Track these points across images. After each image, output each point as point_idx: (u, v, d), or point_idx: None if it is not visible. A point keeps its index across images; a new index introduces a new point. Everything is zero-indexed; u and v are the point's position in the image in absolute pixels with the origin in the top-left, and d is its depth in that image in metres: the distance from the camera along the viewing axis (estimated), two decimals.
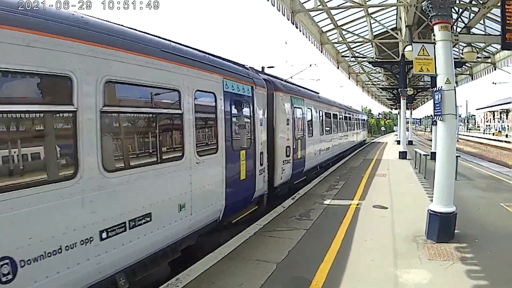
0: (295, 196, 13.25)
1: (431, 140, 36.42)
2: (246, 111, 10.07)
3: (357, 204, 11.83)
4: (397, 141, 43.75)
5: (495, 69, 27.39)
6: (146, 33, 6.51)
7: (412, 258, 7.14)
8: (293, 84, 17.52)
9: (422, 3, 8.54)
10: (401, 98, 27.68)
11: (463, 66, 30.07)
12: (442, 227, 8.00)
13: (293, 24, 18.06)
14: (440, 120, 8.13)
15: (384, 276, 6.40)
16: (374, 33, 24.30)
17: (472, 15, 16.82)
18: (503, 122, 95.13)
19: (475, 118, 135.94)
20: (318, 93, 22.27)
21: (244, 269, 6.74)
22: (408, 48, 16.57)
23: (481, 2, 14.94)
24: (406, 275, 6.34)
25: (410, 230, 8.84)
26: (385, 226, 9.40)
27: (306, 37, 21.18)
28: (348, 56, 29.85)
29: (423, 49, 8.72)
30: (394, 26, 23.66)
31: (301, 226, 9.50)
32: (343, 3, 18.36)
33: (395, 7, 20.40)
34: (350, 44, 26.92)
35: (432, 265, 6.77)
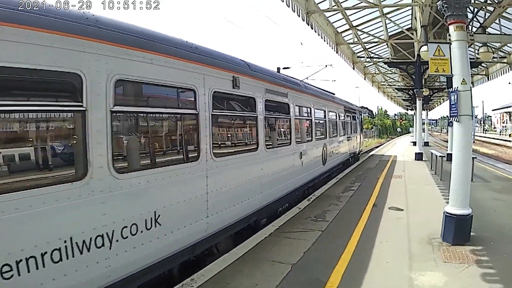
0: (311, 198, 13.25)
1: (447, 141, 35.95)
2: None
3: (373, 206, 11.79)
4: (413, 142, 43.31)
5: (511, 69, 27.07)
6: None
7: (427, 261, 7.10)
8: None
9: (437, 3, 8.45)
10: (417, 99, 27.46)
11: (479, 66, 29.75)
12: (457, 230, 7.92)
13: (308, 24, 18.10)
14: (456, 121, 8.07)
15: (399, 278, 6.38)
16: (390, 34, 24.20)
17: (488, 14, 16.68)
18: None
19: (491, 119, 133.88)
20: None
21: (259, 270, 6.76)
22: (424, 48, 16.43)
23: (496, 1, 14.79)
24: (421, 278, 6.30)
25: (425, 232, 8.78)
26: (400, 228, 9.35)
27: (322, 37, 21.17)
28: (363, 57, 29.77)
29: (439, 50, 8.65)
30: (410, 26, 23.47)
31: (316, 227, 9.50)
32: (358, 3, 18.31)
33: (410, 7, 20.27)
34: (365, 44, 26.79)
35: (448, 268, 6.72)
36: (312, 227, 9.50)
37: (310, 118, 14.62)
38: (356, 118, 28.03)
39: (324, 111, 17.02)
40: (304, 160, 13.20)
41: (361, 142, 32.54)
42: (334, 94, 21.68)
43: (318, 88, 18.56)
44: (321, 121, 16.82)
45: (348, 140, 23.63)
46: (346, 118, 22.84)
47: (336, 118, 19.80)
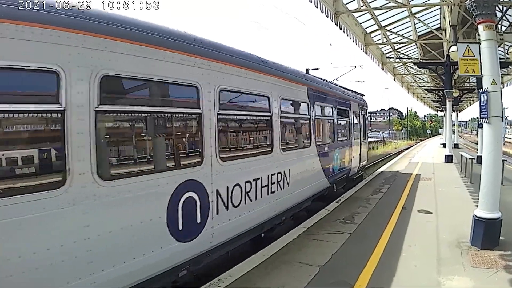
0: (340, 199, 13.23)
1: (477, 143, 35.20)
2: None
3: (402, 209, 11.68)
4: (442, 144, 42.62)
5: None
6: None
7: (455, 265, 7.01)
8: None
9: (466, 2, 8.34)
10: (447, 100, 27.04)
11: (509, 67, 29.07)
12: (486, 234, 7.79)
13: (337, 25, 18.12)
14: (486, 122, 7.94)
15: (427, 282, 6.33)
16: (418, 34, 23.96)
17: None
18: None
19: None
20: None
21: (287, 272, 6.82)
22: (453, 48, 16.12)
23: None
24: (449, 282, 6.25)
25: (454, 236, 8.67)
26: (429, 231, 9.24)
27: (350, 38, 21.19)
28: (392, 57, 29.46)
29: (468, 50, 8.51)
30: (438, 26, 23.17)
31: (345, 229, 9.50)
32: (386, 3, 18.17)
33: (439, 7, 19.99)
34: (394, 45, 26.55)
35: (476, 273, 6.63)
36: (341, 229, 9.50)
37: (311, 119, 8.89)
38: (350, 114, 16.46)
39: (208, 95, 6.76)
40: None
41: (364, 154, 19.92)
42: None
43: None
44: (183, 122, 6.90)
45: (324, 154, 12.65)
46: (314, 112, 11.79)
47: (271, 112, 9.01)
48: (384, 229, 9.42)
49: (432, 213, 11.11)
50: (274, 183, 9.00)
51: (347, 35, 20.55)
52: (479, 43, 8.17)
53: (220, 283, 6.34)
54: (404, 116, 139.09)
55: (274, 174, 8.98)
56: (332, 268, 6.99)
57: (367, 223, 10.14)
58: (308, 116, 11.26)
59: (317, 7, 16.21)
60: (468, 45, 8.58)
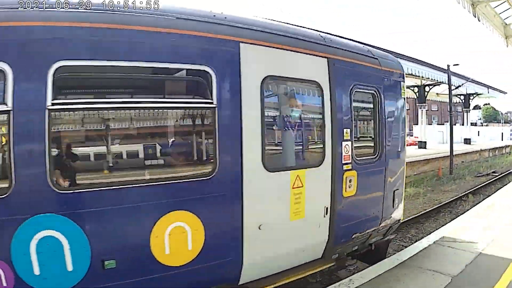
0: (481, 206, 12.82)
1: None
2: None
3: None
4: None
5: None
6: None
7: None
8: None
9: None
10: None
11: None
12: None
13: (475, 16, 17.65)
14: None
15: None
16: None
17: None
18: None
19: None
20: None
21: (418, 279, 6.82)
22: None
23: None
24: None
25: None
26: None
27: (489, 30, 20.35)
28: None
29: None
30: None
31: (483, 238, 9.05)
32: None
33: None
34: None
35: None
36: (478, 238, 9.04)
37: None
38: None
39: None
40: None
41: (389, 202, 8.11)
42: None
43: None
44: None
45: None
46: None
47: None
48: None
49: None
50: None
51: (486, 27, 19.79)
52: None
53: (350, 283, 6.60)
54: None
55: None
56: (464, 279, 6.77)
57: (506, 232, 9.60)
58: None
59: None
60: None
